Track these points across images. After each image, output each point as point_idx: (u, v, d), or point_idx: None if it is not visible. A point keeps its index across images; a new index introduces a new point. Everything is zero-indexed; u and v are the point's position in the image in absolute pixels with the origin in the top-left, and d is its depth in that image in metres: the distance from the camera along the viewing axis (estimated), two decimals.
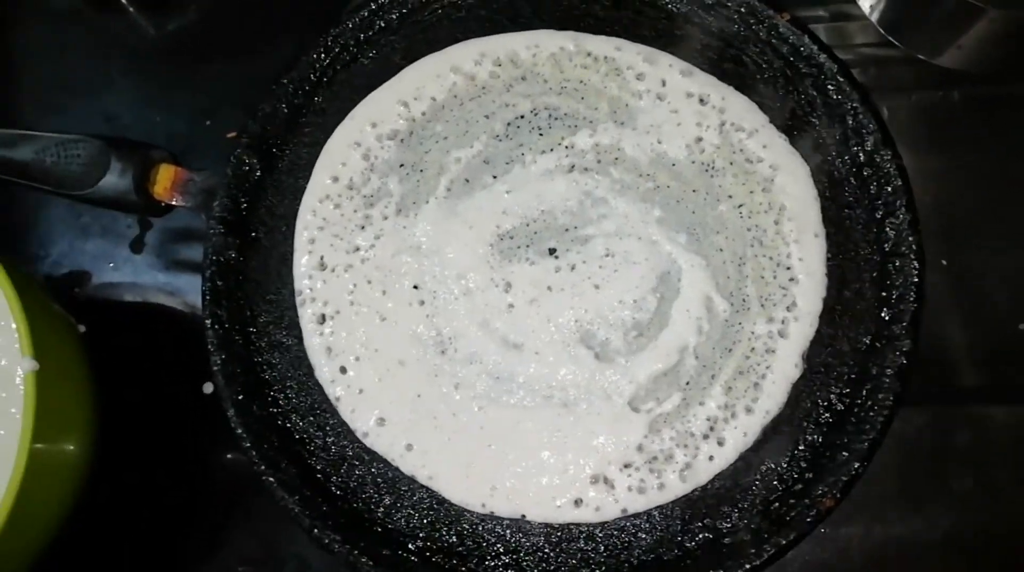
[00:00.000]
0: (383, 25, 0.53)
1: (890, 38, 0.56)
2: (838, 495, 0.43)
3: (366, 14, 0.52)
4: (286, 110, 0.52)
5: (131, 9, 0.73)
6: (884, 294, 0.46)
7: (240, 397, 0.47)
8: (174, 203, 0.50)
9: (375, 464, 0.47)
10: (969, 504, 0.51)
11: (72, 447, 0.51)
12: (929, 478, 0.51)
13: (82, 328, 0.55)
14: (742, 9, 0.50)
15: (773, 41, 0.50)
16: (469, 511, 0.45)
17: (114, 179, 0.49)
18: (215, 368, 0.47)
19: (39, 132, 0.51)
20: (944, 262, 0.54)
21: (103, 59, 0.71)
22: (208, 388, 0.55)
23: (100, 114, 0.69)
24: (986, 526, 0.51)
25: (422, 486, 0.46)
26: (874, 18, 0.56)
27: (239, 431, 0.45)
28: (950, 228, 0.55)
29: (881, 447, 0.50)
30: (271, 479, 0.45)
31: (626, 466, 0.45)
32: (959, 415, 0.52)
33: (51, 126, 0.68)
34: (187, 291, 0.63)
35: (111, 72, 0.70)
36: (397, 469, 0.46)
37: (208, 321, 0.47)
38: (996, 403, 0.52)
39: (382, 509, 0.46)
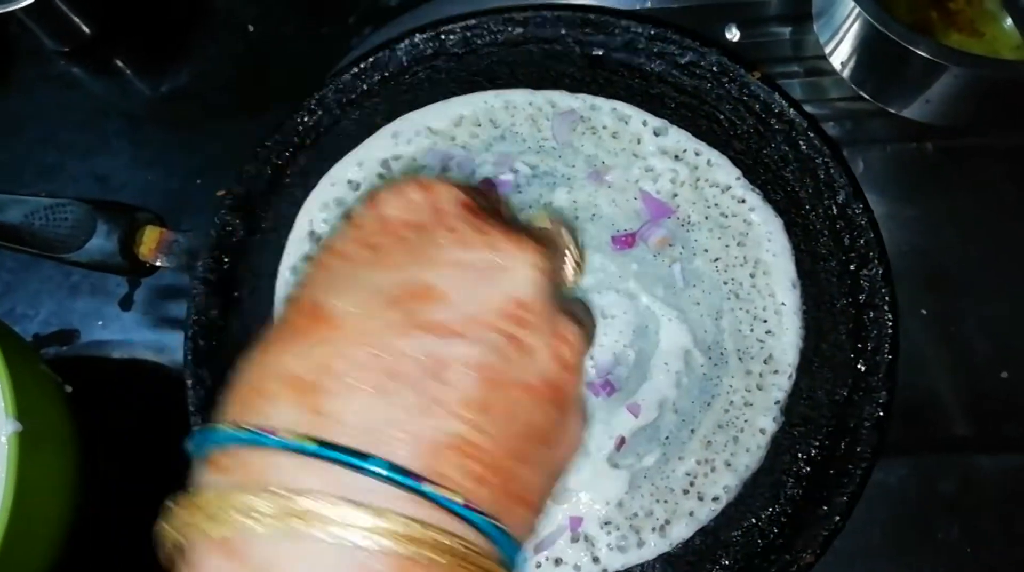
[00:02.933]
0: (365, 88, 0.54)
1: (861, 93, 0.57)
2: (818, 550, 0.42)
3: (348, 78, 0.54)
4: (270, 171, 0.53)
5: (127, 71, 0.75)
6: (860, 346, 0.46)
7: None
8: (158, 264, 0.51)
9: None
10: (956, 555, 0.50)
11: (55, 508, 0.51)
12: (915, 529, 0.51)
13: (68, 388, 0.55)
14: (714, 68, 0.52)
15: (745, 98, 0.51)
16: None
17: (100, 241, 0.50)
18: (195, 429, 0.47)
19: (28, 196, 0.52)
20: (924, 311, 0.54)
21: (98, 121, 0.73)
22: None
23: (93, 174, 0.70)
24: None
25: None
26: (845, 74, 0.58)
27: None
28: (928, 277, 0.55)
29: (865, 498, 0.50)
30: None
31: (606, 523, 0.45)
32: (944, 465, 0.52)
33: (46, 186, 0.70)
34: (175, 349, 0.63)
35: (106, 133, 0.72)
36: None
37: (189, 381, 0.48)
38: (981, 452, 0.52)
39: None
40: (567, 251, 0.33)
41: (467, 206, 0.29)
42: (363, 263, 0.27)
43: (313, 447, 0.23)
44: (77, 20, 0.70)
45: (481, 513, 0.24)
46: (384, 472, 0.23)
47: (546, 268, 0.28)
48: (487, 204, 0.31)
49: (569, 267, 0.33)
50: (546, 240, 0.31)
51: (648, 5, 0.61)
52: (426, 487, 0.23)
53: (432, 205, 0.29)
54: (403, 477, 0.23)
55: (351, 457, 0.23)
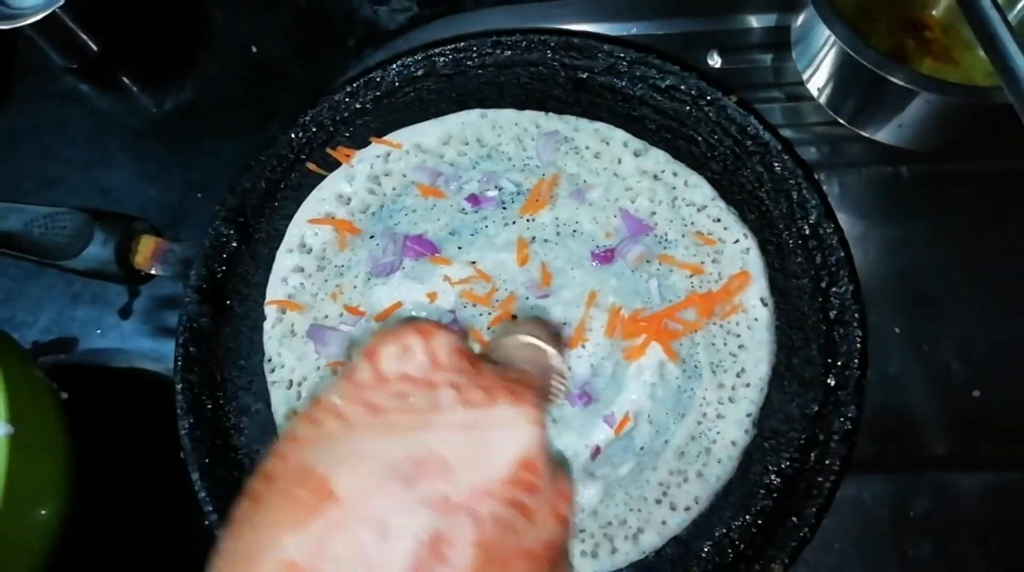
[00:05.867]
0: (358, 107, 0.56)
1: (838, 118, 0.59)
2: (787, 560, 0.43)
3: (341, 96, 0.56)
4: (264, 185, 0.55)
5: (133, 88, 0.77)
6: (830, 361, 0.47)
7: (207, 461, 0.48)
8: (153, 272, 0.53)
9: None
10: None
11: (46, 512, 0.52)
12: (887, 545, 0.51)
13: (64, 395, 0.57)
14: (693, 92, 0.53)
15: (722, 121, 0.53)
16: None
17: (97, 249, 0.52)
18: (183, 432, 0.48)
19: (27, 205, 0.53)
20: (898, 330, 0.55)
21: (103, 135, 0.75)
22: None
23: (96, 187, 0.72)
24: None
25: None
26: (822, 100, 0.60)
27: (202, 495, 0.47)
28: (903, 297, 0.56)
29: (838, 514, 0.51)
30: None
31: (580, 531, 0.46)
32: (917, 482, 0.53)
33: (49, 198, 0.72)
34: (172, 357, 0.65)
35: (109, 148, 0.74)
36: None
37: (179, 386, 0.49)
38: (954, 470, 0.53)
39: None
40: (554, 373, 0.33)
41: (463, 354, 0.29)
42: (363, 427, 0.26)
43: None
44: (84, 37, 0.72)
45: None
46: None
47: (542, 419, 0.28)
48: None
49: (557, 385, 0.33)
50: (534, 367, 0.32)
51: (634, 31, 0.63)
52: None
53: (429, 354, 0.28)
54: None
55: None
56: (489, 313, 0.50)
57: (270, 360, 0.51)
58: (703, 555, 0.45)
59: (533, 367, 0.32)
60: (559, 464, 0.29)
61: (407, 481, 0.25)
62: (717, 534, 0.46)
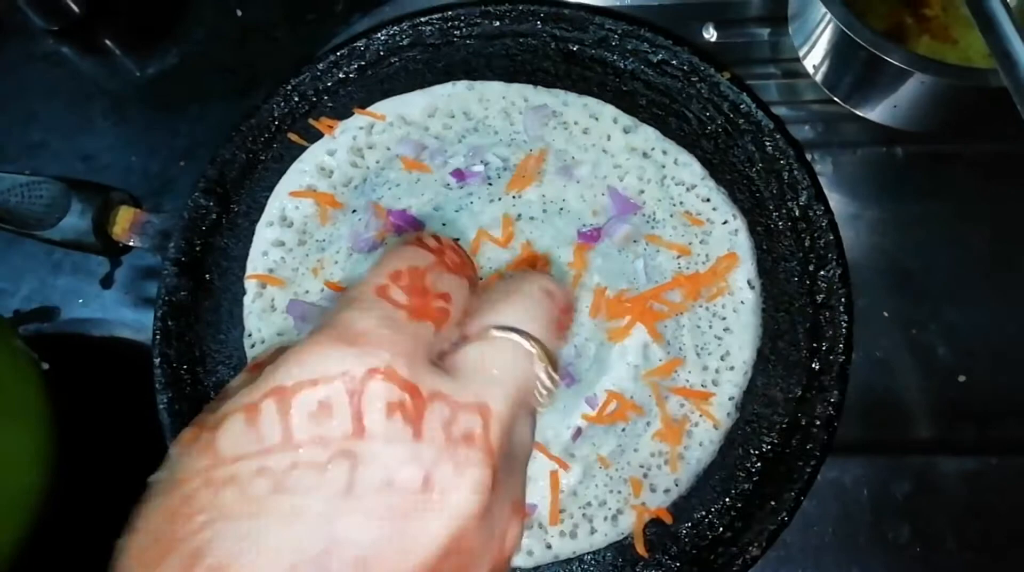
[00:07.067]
0: (341, 76, 0.55)
1: (833, 96, 0.58)
2: (764, 544, 0.43)
3: (325, 66, 0.55)
4: (244, 157, 0.53)
5: (116, 52, 0.75)
6: (815, 345, 0.47)
7: None
8: (131, 244, 0.52)
9: None
10: (906, 555, 0.51)
11: (27, 483, 0.51)
12: (866, 528, 0.52)
13: (45, 366, 0.56)
14: (685, 67, 0.52)
15: (714, 98, 0.52)
16: None
17: (74, 220, 0.51)
18: (161, 406, 0.48)
19: (4, 173, 0.52)
20: (886, 314, 0.55)
21: (85, 100, 0.73)
22: None
23: (78, 153, 0.71)
24: None
25: None
26: (818, 78, 0.58)
27: None
28: (892, 280, 0.56)
29: (818, 497, 0.52)
30: None
31: (560, 511, 0.46)
32: (898, 466, 0.53)
33: (29, 164, 0.71)
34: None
35: (92, 113, 0.73)
36: None
37: (156, 360, 0.49)
38: (935, 454, 0.53)
39: None
40: (538, 380, 0.27)
41: (400, 410, 0.23)
42: (266, 508, 0.22)
43: None
44: None
45: None
46: None
47: (487, 482, 0.24)
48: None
49: (540, 391, 0.28)
50: (511, 372, 0.26)
51: (628, 2, 0.62)
52: None
53: (355, 415, 0.23)
54: None
55: None
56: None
57: (250, 335, 0.51)
58: (682, 536, 0.45)
59: (510, 371, 0.27)
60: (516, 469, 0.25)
61: None
62: (697, 516, 0.46)
